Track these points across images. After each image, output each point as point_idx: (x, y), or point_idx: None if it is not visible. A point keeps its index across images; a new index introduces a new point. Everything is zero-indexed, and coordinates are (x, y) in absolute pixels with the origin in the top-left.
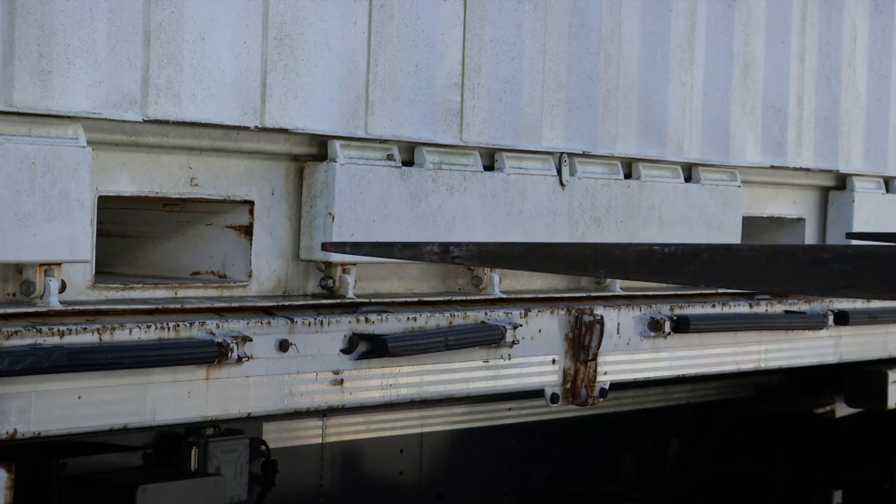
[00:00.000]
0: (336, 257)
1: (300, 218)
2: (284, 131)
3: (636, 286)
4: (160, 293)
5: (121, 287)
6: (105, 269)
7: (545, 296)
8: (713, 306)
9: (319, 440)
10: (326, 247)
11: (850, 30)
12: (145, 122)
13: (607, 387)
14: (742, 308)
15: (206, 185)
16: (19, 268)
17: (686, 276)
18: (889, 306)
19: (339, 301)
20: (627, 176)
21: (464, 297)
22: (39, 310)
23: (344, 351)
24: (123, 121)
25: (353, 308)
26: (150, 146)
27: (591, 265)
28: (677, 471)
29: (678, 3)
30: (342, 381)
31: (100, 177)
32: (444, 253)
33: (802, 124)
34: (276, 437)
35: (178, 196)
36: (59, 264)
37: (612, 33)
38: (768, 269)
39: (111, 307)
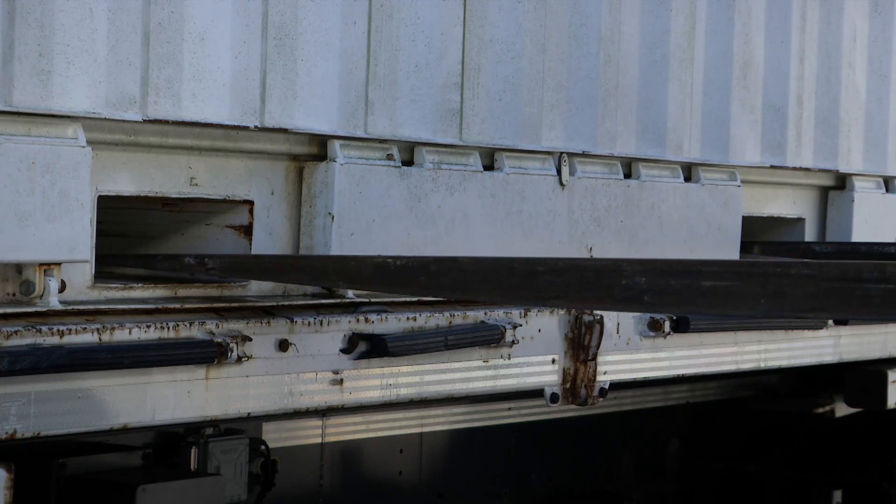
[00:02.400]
0: None
1: (300, 218)
2: (284, 131)
3: None
4: (160, 293)
5: (120, 287)
6: (105, 270)
7: None
8: None
9: (319, 440)
10: (99, 258)
11: (849, 30)
12: (145, 121)
13: (607, 387)
14: None
15: (206, 185)
16: (19, 268)
17: (417, 287)
18: None
19: (338, 301)
20: (627, 176)
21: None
22: (39, 310)
23: (343, 351)
24: (123, 120)
25: (352, 308)
26: (149, 146)
27: (332, 276)
28: (677, 470)
29: (678, 3)
30: (342, 380)
31: (99, 177)
32: (200, 265)
33: (802, 124)
34: (275, 436)
35: (177, 196)
36: (58, 264)
37: (611, 33)
38: (489, 280)
39: (111, 307)
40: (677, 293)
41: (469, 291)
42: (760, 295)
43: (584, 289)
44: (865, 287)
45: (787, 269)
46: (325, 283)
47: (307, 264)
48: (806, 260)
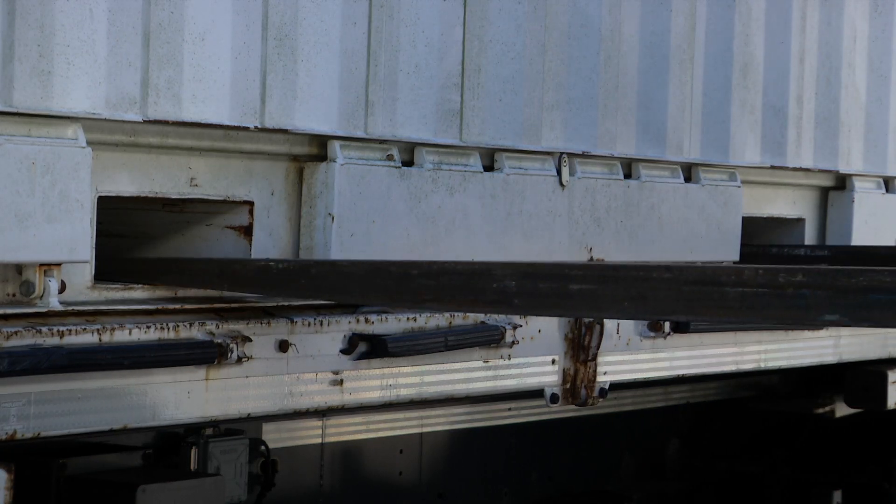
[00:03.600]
0: (336, 257)
1: (300, 218)
2: (284, 132)
3: None
4: (160, 293)
5: (120, 287)
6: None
7: None
8: None
9: (319, 440)
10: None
11: (849, 30)
12: (145, 122)
13: (607, 387)
14: None
15: (206, 186)
16: (19, 268)
17: (297, 290)
18: None
19: (338, 301)
20: (627, 176)
21: None
22: (39, 310)
23: (344, 351)
24: (123, 121)
25: (352, 308)
26: (149, 146)
27: (215, 280)
28: (677, 471)
29: (678, 4)
30: (342, 381)
31: (99, 177)
32: None
33: (802, 124)
34: (275, 437)
35: (177, 196)
36: (58, 265)
37: (611, 33)
38: (366, 283)
39: (111, 308)
40: (545, 296)
41: (347, 294)
42: (624, 298)
43: (456, 291)
44: (723, 290)
45: (649, 272)
46: (209, 286)
47: (191, 267)
48: (668, 263)
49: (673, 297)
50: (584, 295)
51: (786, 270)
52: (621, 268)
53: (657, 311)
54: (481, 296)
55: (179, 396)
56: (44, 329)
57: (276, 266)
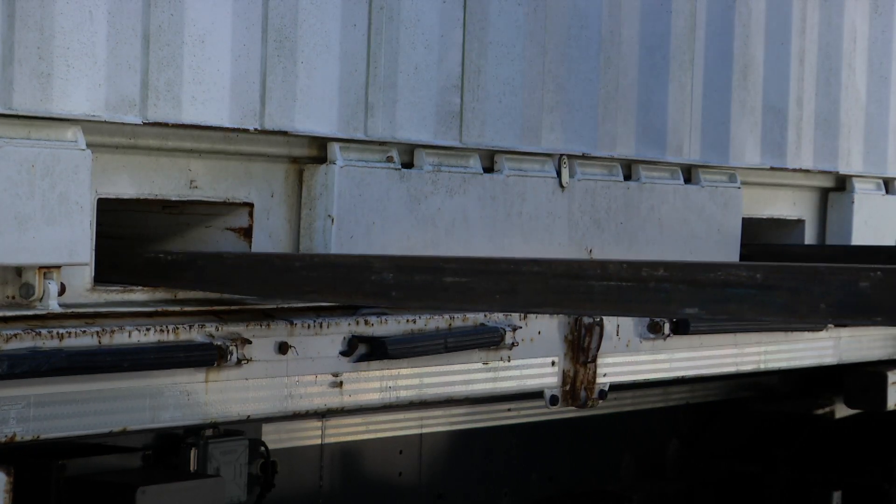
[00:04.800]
0: None
1: (300, 220)
2: (284, 133)
3: None
4: (159, 295)
5: (120, 290)
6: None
7: None
8: None
9: (319, 441)
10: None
11: (849, 31)
12: (145, 124)
13: (607, 388)
14: None
15: (206, 188)
16: (18, 270)
17: (186, 282)
18: None
19: (338, 303)
20: (627, 177)
21: None
22: (39, 313)
23: (343, 353)
24: (123, 123)
25: (352, 310)
26: (149, 149)
27: (107, 271)
28: (677, 471)
29: (678, 5)
30: (341, 383)
31: (99, 179)
32: None
33: (802, 125)
34: (275, 437)
35: (177, 198)
36: (58, 267)
37: (611, 35)
38: (250, 275)
39: (110, 310)
40: (422, 288)
41: (232, 286)
42: (495, 291)
43: (336, 283)
44: (589, 284)
45: (519, 266)
46: (103, 278)
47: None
48: (539, 258)
49: (542, 290)
50: (458, 287)
51: (648, 265)
52: (493, 261)
53: (527, 304)
54: (360, 287)
55: (179, 399)
56: (43, 331)
57: (165, 258)
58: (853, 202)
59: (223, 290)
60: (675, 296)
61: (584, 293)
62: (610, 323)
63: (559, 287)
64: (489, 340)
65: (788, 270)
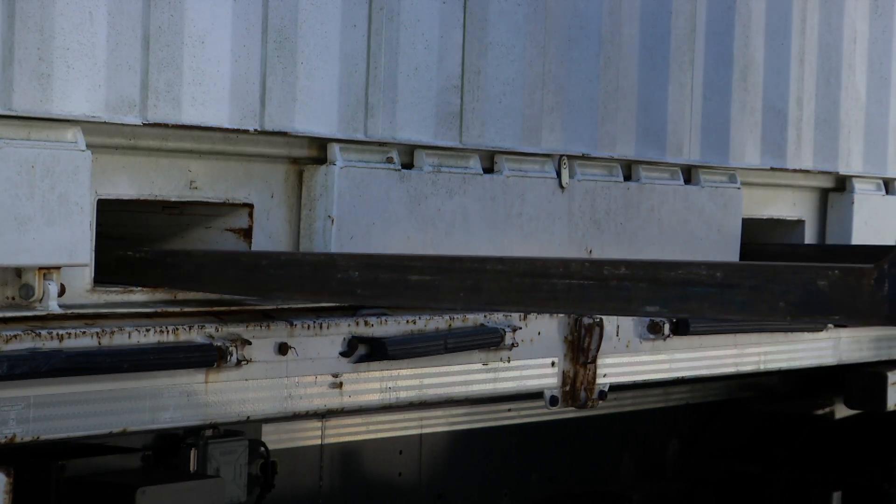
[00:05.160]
0: None
1: (300, 221)
2: (284, 134)
3: None
4: (159, 296)
5: (120, 290)
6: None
7: None
8: None
9: (318, 441)
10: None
11: (849, 31)
12: (145, 125)
13: (607, 389)
14: None
15: (206, 189)
16: (18, 271)
17: (154, 279)
18: None
19: (338, 304)
20: (627, 178)
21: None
22: (38, 313)
23: (343, 354)
24: (123, 124)
25: (352, 311)
26: (149, 149)
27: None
28: (677, 471)
29: (678, 5)
30: (341, 384)
31: (99, 180)
32: None
33: (802, 126)
34: (275, 438)
35: (177, 199)
36: (58, 268)
37: (611, 35)
38: (218, 273)
39: (110, 311)
40: (387, 286)
41: (200, 283)
42: (460, 289)
43: (303, 282)
44: (552, 283)
45: (483, 264)
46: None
47: None
48: (502, 257)
49: (505, 288)
50: (423, 285)
51: (610, 263)
52: (457, 259)
53: (491, 302)
54: (326, 285)
55: (179, 399)
56: (43, 332)
57: (134, 256)
58: (853, 202)
59: (190, 287)
60: (637, 294)
61: (546, 291)
62: (610, 323)
63: (522, 285)
64: (489, 341)
65: (748, 269)
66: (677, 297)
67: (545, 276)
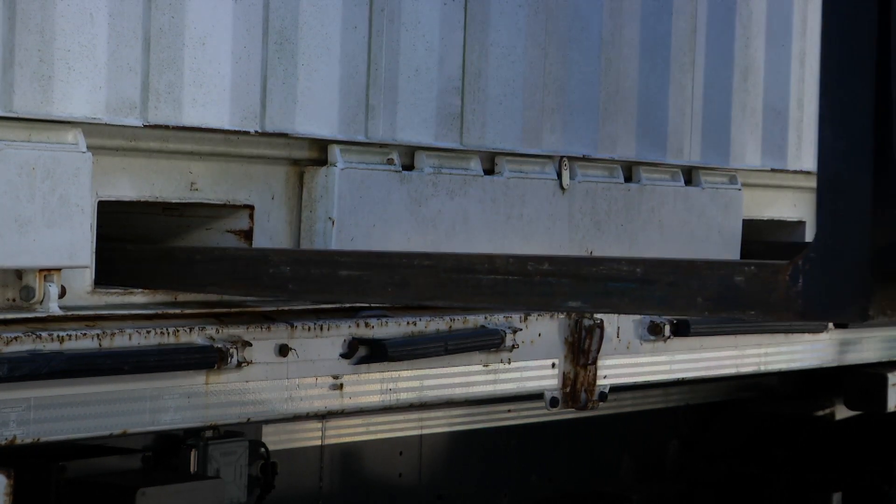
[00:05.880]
0: None
1: (300, 223)
2: (284, 136)
3: None
4: (160, 298)
5: (120, 292)
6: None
7: None
8: None
9: (319, 442)
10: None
11: None
12: (145, 127)
13: (607, 390)
14: None
15: (206, 190)
16: (19, 273)
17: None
18: None
19: (338, 305)
20: (627, 179)
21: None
22: (39, 315)
23: (343, 356)
24: (123, 126)
25: (352, 312)
26: (150, 151)
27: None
28: (677, 472)
29: (678, 7)
30: (342, 385)
31: (100, 182)
32: None
33: (803, 127)
34: (275, 439)
35: (178, 201)
36: (58, 270)
37: (612, 37)
38: (155, 269)
39: (111, 312)
40: (317, 281)
41: (139, 279)
42: (388, 283)
43: (236, 277)
44: (477, 277)
45: (411, 259)
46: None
47: None
48: (430, 252)
49: (432, 283)
50: (353, 281)
51: (534, 259)
52: (386, 255)
53: (418, 297)
54: (259, 280)
55: (179, 401)
56: (44, 334)
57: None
58: None
59: (129, 283)
60: (559, 289)
61: (472, 286)
62: (610, 325)
63: (449, 280)
64: (489, 342)
65: (667, 265)
66: (598, 292)
67: (471, 272)
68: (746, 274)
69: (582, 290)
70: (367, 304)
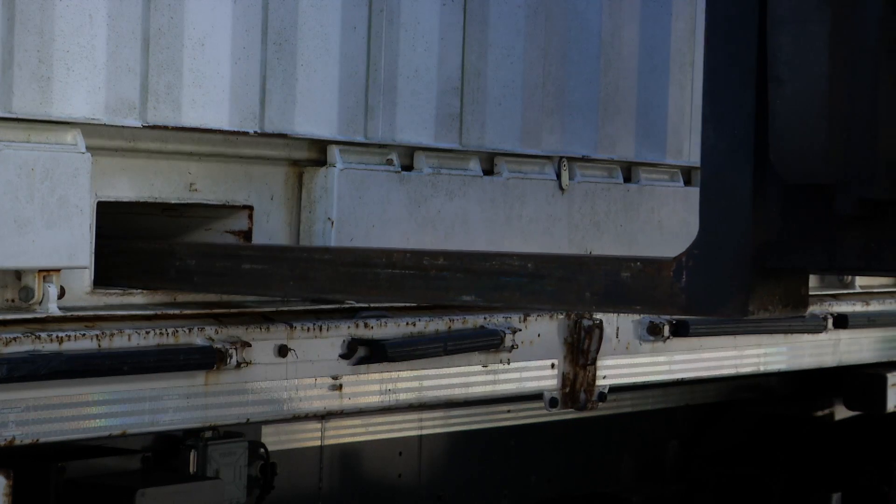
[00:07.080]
0: None
1: (300, 223)
2: (284, 136)
3: None
4: (159, 299)
5: (120, 293)
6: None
7: None
8: None
9: (318, 443)
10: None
11: None
12: (144, 127)
13: (606, 391)
14: None
15: (206, 191)
16: (18, 274)
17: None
18: (889, 309)
19: (337, 306)
20: (627, 180)
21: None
22: (38, 316)
23: (343, 356)
24: (123, 126)
25: (351, 313)
26: (149, 152)
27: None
28: (676, 473)
29: (678, 7)
30: (341, 386)
31: (99, 183)
32: None
33: None
34: (274, 439)
35: (177, 201)
36: (57, 270)
37: (611, 37)
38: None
39: (110, 313)
40: (222, 274)
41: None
42: (289, 277)
43: (144, 271)
44: (375, 272)
45: (312, 254)
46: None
47: None
48: (329, 246)
49: (332, 277)
50: (255, 274)
51: (430, 254)
52: (287, 249)
53: (318, 290)
54: (166, 273)
55: (178, 402)
56: (43, 335)
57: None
58: None
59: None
60: (454, 283)
61: (370, 280)
62: (610, 325)
63: (348, 274)
64: (489, 343)
65: (558, 260)
66: (491, 286)
67: (369, 266)
68: (633, 270)
69: (475, 284)
70: (366, 305)
